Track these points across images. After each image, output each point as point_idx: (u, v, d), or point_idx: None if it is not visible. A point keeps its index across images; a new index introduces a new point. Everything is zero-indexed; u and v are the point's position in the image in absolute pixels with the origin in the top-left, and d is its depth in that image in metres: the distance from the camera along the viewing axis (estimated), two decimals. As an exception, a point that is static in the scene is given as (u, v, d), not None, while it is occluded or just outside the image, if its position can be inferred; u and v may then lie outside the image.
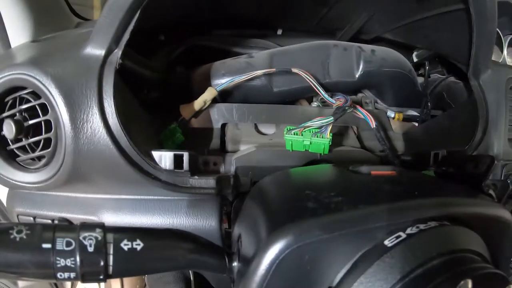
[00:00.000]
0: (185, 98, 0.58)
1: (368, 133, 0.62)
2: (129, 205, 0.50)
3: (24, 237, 0.29)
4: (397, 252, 0.31)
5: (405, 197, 0.37)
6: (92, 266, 0.30)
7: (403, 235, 0.32)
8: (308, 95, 0.66)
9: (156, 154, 0.48)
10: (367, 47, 0.64)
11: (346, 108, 0.52)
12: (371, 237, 0.32)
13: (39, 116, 0.47)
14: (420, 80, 0.69)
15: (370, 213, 0.33)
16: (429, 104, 0.65)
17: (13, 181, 0.48)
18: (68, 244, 0.30)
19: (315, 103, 0.66)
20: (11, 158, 0.49)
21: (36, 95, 0.46)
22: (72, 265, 0.29)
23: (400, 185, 0.42)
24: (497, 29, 0.80)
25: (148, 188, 0.48)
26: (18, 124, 0.46)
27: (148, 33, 0.66)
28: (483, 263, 0.34)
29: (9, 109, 0.47)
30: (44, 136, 0.47)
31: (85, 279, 0.30)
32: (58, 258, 0.29)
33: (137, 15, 0.45)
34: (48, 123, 0.46)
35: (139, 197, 0.51)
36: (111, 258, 0.30)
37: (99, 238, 0.30)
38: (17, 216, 0.52)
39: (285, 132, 0.52)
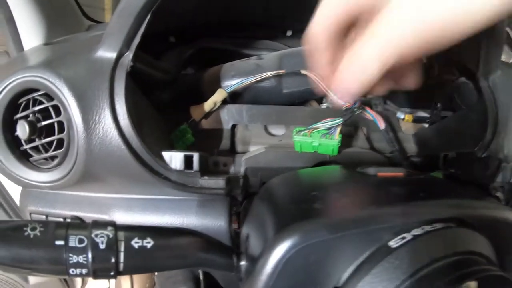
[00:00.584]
0: (195, 99, 0.59)
1: (378, 134, 0.62)
2: (140, 204, 0.52)
3: (38, 234, 0.31)
4: (401, 253, 0.32)
5: (411, 199, 0.38)
6: (104, 262, 0.31)
7: (408, 236, 0.32)
8: (318, 96, 0.66)
9: (166, 154, 0.49)
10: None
11: (355, 109, 0.53)
12: (376, 238, 0.33)
13: (52, 117, 0.48)
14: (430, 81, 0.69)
15: (375, 215, 0.34)
16: (439, 105, 0.65)
17: (26, 180, 0.50)
18: (81, 241, 0.31)
19: (325, 104, 0.67)
20: (25, 158, 0.50)
21: (49, 96, 0.48)
22: (84, 262, 0.30)
23: (406, 186, 0.42)
24: (507, 29, 0.80)
25: (159, 188, 0.49)
26: (32, 125, 0.47)
27: (158, 36, 0.68)
28: (488, 266, 0.34)
29: (23, 111, 0.49)
30: (57, 136, 0.48)
31: (96, 275, 0.31)
32: (70, 255, 0.30)
33: (148, 18, 0.46)
34: (61, 124, 0.48)
35: (149, 196, 0.52)
36: (122, 255, 0.31)
37: (111, 236, 0.32)
38: (30, 214, 0.53)
39: (293, 134, 0.52)
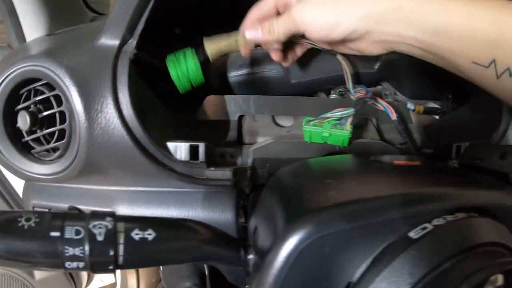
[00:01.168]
0: (202, 90, 0.56)
1: (388, 125, 0.59)
2: (144, 197, 0.49)
3: (33, 225, 0.28)
4: (423, 245, 0.28)
5: (431, 187, 0.34)
6: (102, 255, 0.28)
7: (430, 227, 0.29)
8: (325, 87, 0.63)
9: (171, 145, 0.46)
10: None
11: (367, 99, 0.50)
12: (395, 229, 0.29)
13: (53, 108, 0.45)
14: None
15: (395, 203, 0.30)
16: (450, 96, 0.61)
17: (28, 173, 0.47)
18: (77, 232, 0.28)
19: (333, 95, 0.64)
20: (26, 150, 0.47)
21: (50, 86, 0.45)
22: (81, 255, 0.27)
23: (425, 175, 0.39)
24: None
25: (163, 179, 0.47)
26: (33, 116, 0.45)
27: (163, 27, 0.65)
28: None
29: (24, 101, 0.46)
30: (58, 127, 0.45)
31: (94, 269, 0.28)
32: (66, 247, 0.27)
33: (151, 4, 0.43)
34: (62, 114, 0.45)
35: (154, 189, 0.49)
36: (121, 247, 0.28)
37: (109, 227, 0.28)
38: (33, 208, 0.51)
39: (303, 123, 0.49)
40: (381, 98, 0.61)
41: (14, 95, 0.46)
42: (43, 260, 0.27)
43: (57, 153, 0.47)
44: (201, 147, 0.46)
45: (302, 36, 0.45)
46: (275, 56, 0.51)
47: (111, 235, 0.28)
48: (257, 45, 0.50)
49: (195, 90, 0.57)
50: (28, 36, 0.56)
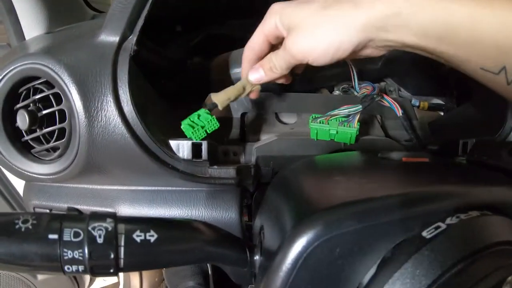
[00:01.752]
0: (203, 88, 0.55)
1: (393, 122, 0.58)
2: (146, 196, 0.47)
3: (30, 227, 0.26)
4: (437, 245, 0.27)
5: (442, 185, 0.33)
6: (102, 258, 0.26)
7: (443, 226, 0.28)
8: (328, 83, 0.62)
9: (173, 143, 0.45)
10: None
11: (375, 96, 0.48)
12: (407, 228, 0.28)
13: (53, 106, 0.44)
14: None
15: (407, 201, 0.29)
16: (455, 92, 0.60)
17: (28, 173, 0.46)
18: (76, 235, 0.26)
19: (336, 92, 0.62)
20: (26, 150, 0.46)
21: (49, 84, 0.43)
22: (80, 258, 0.26)
23: (434, 172, 0.37)
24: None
25: (166, 178, 0.45)
26: (32, 115, 0.43)
27: (164, 24, 0.63)
28: None
29: (23, 100, 0.44)
30: (58, 126, 0.44)
31: (94, 272, 0.26)
32: (65, 250, 0.26)
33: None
34: (62, 112, 0.43)
35: (156, 188, 0.48)
36: (122, 250, 0.27)
37: (110, 228, 0.27)
38: (34, 208, 0.49)
39: (310, 121, 0.48)
40: (386, 94, 0.59)
41: (13, 94, 0.45)
42: (41, 263, 0.26)
43: (57, 153, 0.45)
44: (204, 145, 0.44)
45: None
46: (285, 81, 0.49)
47: (111, 237, 0.27)
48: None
49: (197, 88, 0.55)
50: (28, 35, 0.55)
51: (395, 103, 0.52)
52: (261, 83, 0.45)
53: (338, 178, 0.32)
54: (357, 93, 0.53)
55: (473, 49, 0.33)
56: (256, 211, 0.42)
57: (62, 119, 0.44)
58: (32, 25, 0.55)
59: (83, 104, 0.41)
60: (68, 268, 0.26)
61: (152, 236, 0.28)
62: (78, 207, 0.48)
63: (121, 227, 0.27)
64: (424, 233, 0.28)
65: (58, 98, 0.44)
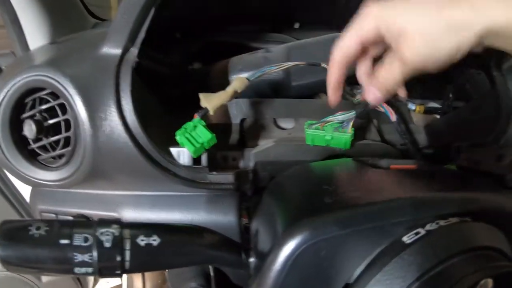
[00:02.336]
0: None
1: (389, 126, 0.61)
2: (149, 201, 0.51)
3: (43, 233, 0.30)
4: (416, 249, 0.30)
5: (425, 192, 0.36)
6: (109, 261, 0.30)
7: (423, 232, 0.31)
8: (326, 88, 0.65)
9: (174, 150, 0.48)
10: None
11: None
12: (389, 234, 0.32)
13: (58, 116, 0.47)
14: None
15: (388, 208, 0.32)
16: (451, 95, 0.63)
17: (35, 180, 0.49)
18: (86, 239, 0.30)
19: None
20: (33, 157, 0.50)
21: (54, 95, 0.47)
22: (90, 260, 0.30)
23: (420, 179, 0.41)
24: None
25: (167, 184, 0.48)
26: (38, 124, 0.47)
27: (164, 32, 0.67)
28: (506, 262, 0.33)
29: (29, 110, 0.48)
30: (63, 135, 0.47)
31: (102, 274, 0.30)
32: (75, 254, 0.30)
33: (152, 13, 0.45)
34: (67, 122, 0.47)
35: (158, 193, 0.51)
36: (127, 253, 0.31)
37: (116, 233, 0.31)
38: (40, 213, 0.53)
39: (306, 127, 0.51)
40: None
41: (20, 104, 0.48)
42: (54, 266, 0.30)
43: (63, 160, 0.49)
44: (204, 152, 0.48)
45: None
46: (402, 93, 0.48)
47: (118, 242, 0.30)
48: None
49: (198, 94, 0.59)
50: (31, 43, 0.59)
51: (389, 108, 0.55)
52: (380, 103, 0.46)
53: (326, 186, 0.35)
54: (354, 98, 0.57)
55: None
56: (254, 215, 0.45)
57: (68, 128, 0.47)
58: (36, 35, 0.58)
59: (87, 114, 0.45)
60: (78, 270, 0.30)
61: (155, 240, 0.32)
62: (84, 211, 0.51)
63: (127, 232, 0.31)
64: (405, 238, 0.31)
65: (63, 108, 0.47)
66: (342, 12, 0.70)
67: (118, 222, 0.32)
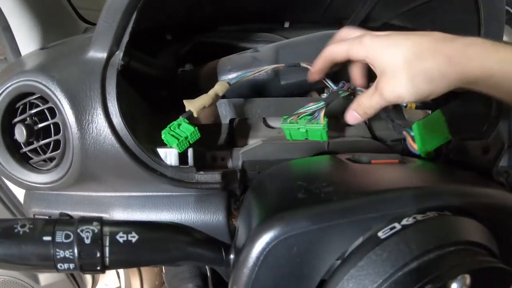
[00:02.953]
0: (193, 95, 0.60)
1: (379, 123, 0.62)
2: (138, 202, 0.53)
3: (27, 230, 0.32)
4: (390, 245, 0.31)
5: (404, 186, 0.37)
6: (89, 257, 0.32)
7: (398, 226, 0.32)
8: (316, 86, 0.67)
9: (161, 151, 0.51)
10: (376, 34, 0.64)
11: (340, 92, 0.52)
12: (365, 228, 0.32)
13: (48, 120, 0.50)
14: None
15: (362, 204, 0.33)
16: (443, 90, 0.64)
17: (27, 183, 0.52)
18: (67, 236, 0.32)
19: (325, 94, 0.67)
20: (24, 161, 0.52)
21: (44, 99, 0.50)
22: (71, 257, 0.32)
23: (401, 173, 0.42)
24: (510, 8, 0.78)
25: (155, 184, 0.51)
26: (29, 128, 0.49)
27: (154, 34, 0.69)
28: (486, 257, 0.33)
29: (20, 114, 0.51)
30: (53, 138, 0.50)
31: (83, 269, 0.32)
32: (57, 250, 0.32)
33: (134, 16, 0.48)
34: (56, 125, 0.50)
35: (147, 193, 0.53)
36: (107, 249, 0.33)
37: (96, 231, 0.33)
38: (34, 215, 0.55)
39: (281, 122, 0.52)
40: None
41: (11, 109, 0.51)
42: (37, 262, 0.32)
43: (54, 163, 0.51)
44: (190, 152, 0.50)
45: None
46: None
47: (97, 238, 0.33)
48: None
49: (187, 95, 0.61)
50: (23, 49, 0.62)
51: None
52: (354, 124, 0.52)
53: (301, 182, 0.37)
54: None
55: None
56: (239, 213, 0.47)
57: (57, 131, 0.50)
58: (27, 41, 0.61)
59: (75, 117, 0.47)
60: (61, 266, 0.32)
61: (133, 237, 0.34)
62: (76, 213, 0.54)
63: (106, 229, 0.33)
64: (380, 233, 0.32)
65: (52, 112, 0.50)
66: (329, 10, 0.72)
67: (98, 220, 0.34)
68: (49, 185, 0.52)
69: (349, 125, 0.61)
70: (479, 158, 0.45)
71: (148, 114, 0.56)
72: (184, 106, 0.57)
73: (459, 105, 0.61)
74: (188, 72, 0.68)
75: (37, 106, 0.50)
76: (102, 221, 0.34)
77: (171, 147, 0.49)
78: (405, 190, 0.35)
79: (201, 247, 0.37)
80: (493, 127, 0.56)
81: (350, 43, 0.48)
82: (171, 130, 0.48)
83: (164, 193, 0.53)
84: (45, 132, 0.51)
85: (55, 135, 0.50)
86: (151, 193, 0.53)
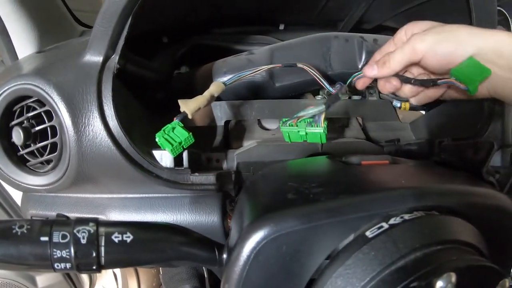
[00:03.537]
0: (189, 97, 0.62)
1: (373, 124, 0.64)
2: (134, 203, 0.55)
3: (25, 231, 0.34)
4: (377, 243, 0.32)
5: (393, 187, 0.38)
6: (85, 257, 0.34)
7: (386, 226, 0.33)
8: (311, 88, 0.68)
9: (156, 153, 0.52)
10: (370, 37, 0.66)
11: (340, 95, 0.53)
12: (353, 228, 0.34)
13: (45, 123, 0.52)
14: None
15: (350, 204, 0.34)
16: (436, 91, 0.66)
17: (25, 185, 0.54)
18: (64, 237, 0.34)
19: (320, 95, 0.69)
20: (22, 163, 0.54)
21: (41, 102, 0.51)
22: (67, 256, 0.33)
23: (390, 174, 0.43)
24: (504, 10, 0.80)
25: (151, 186, 0.52)
26: (26, 131, 0.51)
27: (151, 37, 0.71)
28: (473, 255, 0.34)
29: (18, 117, 0.53)
30: (50, 140, 0.52)
31: (80, 269, 0.34)
32: (54, 250, 0.33)
33: (129, 21, 0.49)
34: (53, 128, 0.51)
35: (143, 195, 0.55)
36: (102, 249, 0.34)
37: (92, 231, 0.35)
38: (31, 217, 0.57)
39: (280, 125, 0.54)
40: (365, 96, 0.66)
41: (8, 112, 0.53)
42: (35, 262, 0.34)
43: (51, 165, 0.53)
44: (185, 153, 0.51)
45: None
46: (395, 88, 0.53)
47: (93, 239, 0.34)
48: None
49: (182, 97, 0.62)
50: (20, 53, 0.63)
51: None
52: (374, 77, 0.52)
53: (291, 183, 0.38)
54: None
55: None
56: (233, 214, 0.49)
57: (54, 134, 0.52)
58: (24, 44, 0.63)
59: (71, 120, 0.49)
60: (58, 266, 0.34)
61: (128, 237, 0.35)
62: (73, 215, 0.55)
63: (102, 229, 0.35)
64: (368, 233, 0.33)
65: (49, 115, 0.51)
66: (324, 12, 0.73)
67: (94, 220, 0.36)
68: (46, 187, 0.54)
69: (344, 127, 0.63)
70: (470, 158, 0.46)
71: (144, 117, 0.58)
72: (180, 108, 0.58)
73: (452, 106, 0.63)
74: (184, 75, 0.70)
75: (34, 109, 0.52)
76: (98, 222, 0.36)
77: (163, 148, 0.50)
78: (393, 190, 0.37)
79: (195, 247, 0.39)
80: (485, 128, 0.57)
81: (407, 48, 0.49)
82: (165, 133, 0.49)
83: (160, 195, 0.54)
84: (42, 134, 0.53)
85: (52, 137, 0.52)
86: (147, 195, 0.55)
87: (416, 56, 0.47)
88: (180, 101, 0.51)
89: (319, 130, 0.51)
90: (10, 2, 0.61)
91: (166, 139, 0.49)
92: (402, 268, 0.31)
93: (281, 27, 0.80)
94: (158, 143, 0.49)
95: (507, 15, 0.85)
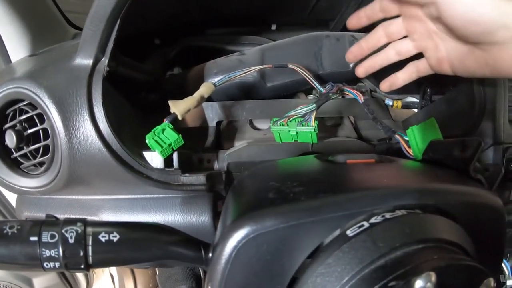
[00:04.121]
0: (181, 99, 0.63)
1: (365, 122, 0.66)
2: (126, 204, 0.57)
3: (15, 231, 0.36)
4: (357, 242, 0.33)
5: (375, 185, 0.39)
6: (73, 256, 0.36)
7: (366, 224, 0.34)
8: (303, 88, 0.70)
9: (147, 154, 0.54)
10: (361, 36, 0.67)
11: (330, 94, 0.55)
12: (334, 227, 0.34)
13: (37, 126, 0.54)
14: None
15: (330, 202, 0.35)
16: (428, 89, 0.67)
17: (19, 187, 0.56)
18: (52, 236, 0.36)
19: (312, 95, 0.71)
20: (15, 166, 0.56)
21: (33, 106, 0.54)
22: (56, 256, 0.36)
23: (374, 173, 0.44)
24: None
25: (142, 187, 0.54)
26: (19, 134, 0.53)
27: (143, 38, 0.73)
28: (456, 255, 0.34)
29: (10, 121, 0.55)
30: (42, 143, 0.54)
31: (68, 268, 0.36)
32: (43, 249, 0.36)
33: (118, 24, 0.51)
34: (45, 131, 0.54)
35: (135, 196, 0.57)
36: (90, 248, 0.36)
37: (79, 231, 0.37)
38: (26, 220, 0.59)
39: (271, 124, 0.55)
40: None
41: (1, 115, 0.55)
42: (25, 261, 0.36)
43: (43, 167, 0.55)
44: (175, 155, 0.53)
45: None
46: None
47: (80, 238, 0.36)
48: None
49: (174, 99, 0.64)
50: (13, 56, 0.66)
51: (357, 91, 0.57)
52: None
53: (273, 182, 0.40)
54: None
55: None
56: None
57: (46, 136, 0.54)
58: (17, 48, 0.66)
59: (62, 122, 0.51)
60: (47, 265, 0.36)
61: (115, 236, 0.37)
62: (66, 216, 0.57)
63: (89, 229, 0.37)
64: (348, 232, 0.34)
65: (41, 118, 0.54)
66: (315, 11, 0.75)
67: (82, 220, 0.38)
68: (39, 189, 0.56)
69: (335, 126, 0.65)
70: (458, 155, 0.48)
71: (136, 118, 0.60)
72: (168, 107, 0.60)
73: (444, 104, 0.64)
74: (176, 76, 0.72)
75: (27, 112, 0.54)
76: (85, 222, 0.38)
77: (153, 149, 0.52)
78: (374, 189, 0.38)
79: (181, 246, 0.40)
80: (476, 125, 0.59)
81: None
82: (155, 135, 0.51)
83: (151, 196, 0.56)
84: (35, 137, 0.55)
85: (44, 140, 0.54)
86: (138, 196, 0.56)
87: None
88: (170, 103, 0.53)
89: (309, 129, 0.52)
90: (2, 5, 0.63)
91: (156, 141, 0.51)
92: (381, 267, 0.32)
93: (273, 27, 0.82)
94: (148, 144, 0.51)
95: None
